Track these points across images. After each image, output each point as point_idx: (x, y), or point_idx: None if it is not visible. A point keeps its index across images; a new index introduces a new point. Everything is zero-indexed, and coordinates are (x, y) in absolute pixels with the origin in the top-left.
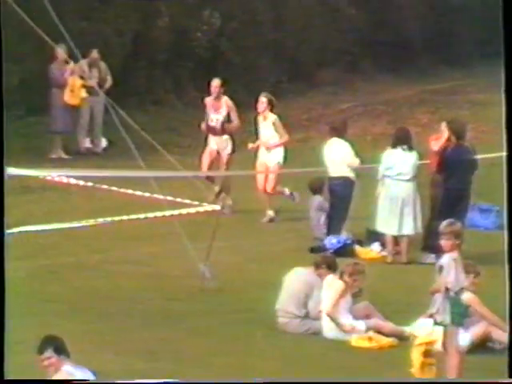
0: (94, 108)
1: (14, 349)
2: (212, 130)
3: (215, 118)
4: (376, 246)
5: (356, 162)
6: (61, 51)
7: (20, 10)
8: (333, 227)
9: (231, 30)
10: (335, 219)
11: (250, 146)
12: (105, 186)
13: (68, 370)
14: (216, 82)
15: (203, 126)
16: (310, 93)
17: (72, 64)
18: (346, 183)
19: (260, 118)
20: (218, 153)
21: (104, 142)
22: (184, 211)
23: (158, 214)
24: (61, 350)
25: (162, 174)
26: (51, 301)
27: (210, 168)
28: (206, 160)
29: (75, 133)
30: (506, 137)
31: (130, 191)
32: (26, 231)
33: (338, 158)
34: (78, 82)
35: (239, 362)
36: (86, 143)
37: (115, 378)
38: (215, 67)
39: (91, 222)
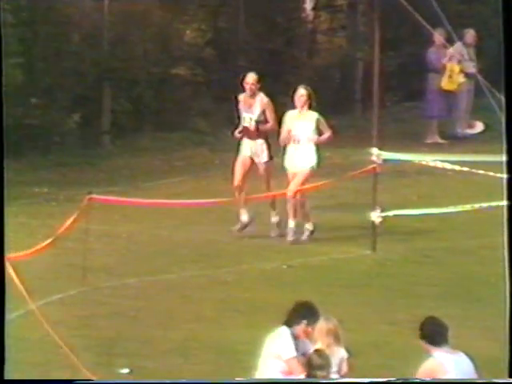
0: (468, 92)
1: None
2: (246, 132)
3: (248, 117)
4: None
5: None
6: (438, 36)
7: None
8: None
9: None
10: None
11: (282, 137)
12: (481, 171)
13: (439, 356)
14: (252, 78)
15: (237, 130)
16: None
17: (451, 49)
18: None
19: (292, 115)
20: (252, 160)
21: (480, 126)
22: None
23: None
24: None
25: None
26: (425, 284)
27: (243, 179)
28: (239, 169)
29: (450, 118)
30: (506, 138)
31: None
32: (401, 215)
33: None
34: (456, 68)
35: None
36: (463, 128)
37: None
38: None
39: (467, 207)
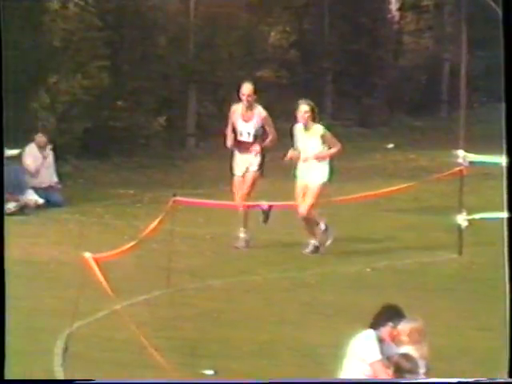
0: None
1: None
2: (242, 146)
3: (246, 131)
4: None
5: None
6: None
7: None
8: None
9: None
10: None
11: (289, 154)
12: None
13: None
14: (249, 89)
15: (229, 141)
16: None
17: None
18: None
19: (300, 129)
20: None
21: None
22: None
23: None
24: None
25: None
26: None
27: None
28: (236, 189)
29: None
30: (506, 139)
31: None
32: (487, 218)
33: None
34: None
35: None
36: None
37: None
38: None
39: None
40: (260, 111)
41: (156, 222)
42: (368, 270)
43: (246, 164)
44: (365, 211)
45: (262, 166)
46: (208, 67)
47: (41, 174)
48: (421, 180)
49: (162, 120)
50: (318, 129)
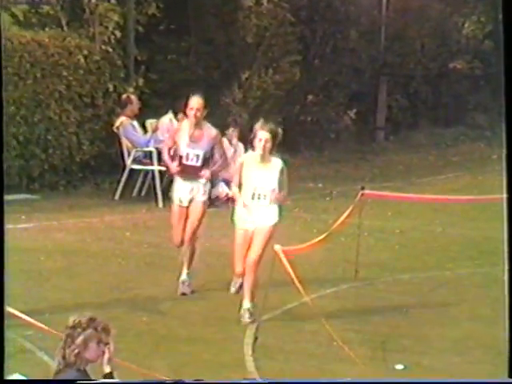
0: None
1: None
2: (188, 171)
3: (193, 154)
4: None
5: None
6: None
7: None
8: None
9: None
10: None
11: (233, 193)
12: None
13: None
14: (197, 103)
15: (173, 167)
16: None
17: None
18: None
19: (255, 161)
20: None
21: None
22: None
23: None
24: None
25: None
26: None
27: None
28: (178, 224)
29: None
30: (506, 138)
31: None
32: None
33: None
34: None
35: None
36: None
37: None
38: None
39: None
40: (210, 130)
41: (345, 216)
42: None
43: (192, 192)
44: None
45: (210, 195)
46: (399, 59)
47: (231, 167)
48: None
49: (352, 114)
50: (277, 163)
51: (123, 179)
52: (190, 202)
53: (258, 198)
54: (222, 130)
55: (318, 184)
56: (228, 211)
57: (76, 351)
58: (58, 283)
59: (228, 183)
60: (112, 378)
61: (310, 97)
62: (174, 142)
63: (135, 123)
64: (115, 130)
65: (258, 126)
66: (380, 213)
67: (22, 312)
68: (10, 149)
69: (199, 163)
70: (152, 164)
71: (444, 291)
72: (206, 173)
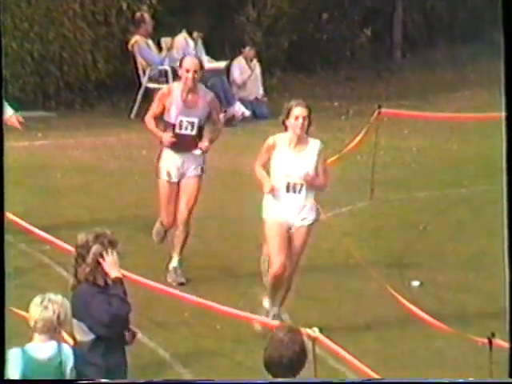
0: None
1: None
2: (181, 142)
3: (187, 121)
4: None
5: None
6: None
7: None
8: None
9: None
10: None
11: (269, 186)
12: None
13: None
14: (193, 64)
15: (166, 137)
16: None
17: None
18: None
19: (288, 142)
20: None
21: None
22: None
23: None
24: None
25: None
26: None
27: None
28: (168, 201)
29: None
30: (506, 137)
31: None
32: None
33: None
34: None
35: None
36: None
37: None
38: None
39: None
40: (206, 93)
41: (361, 135)
42: None
43: (184, 166)
44: None
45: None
46: None
47: (248, 87)
48: None
49: (367, 31)
50: (315, 144)
51: (139, 98)
52: (181, 176)
53: (294, 191)
54: (238, 48)
55: (334, 103)
56: (243, 131)
57: (87, 269)
58: (75, 200)
59: (244, 102)
60: (121, 283)
61: (325, 15)
62: (164, 108)
63: (150, 42)
64: (130, 49)
65: (292, 102)
66: (396, 131)
67: (37, 228)
68: (24, 65)
69: (194, 132)
70: (167, 82)
71: (460, 208)
72: (204, 144)
